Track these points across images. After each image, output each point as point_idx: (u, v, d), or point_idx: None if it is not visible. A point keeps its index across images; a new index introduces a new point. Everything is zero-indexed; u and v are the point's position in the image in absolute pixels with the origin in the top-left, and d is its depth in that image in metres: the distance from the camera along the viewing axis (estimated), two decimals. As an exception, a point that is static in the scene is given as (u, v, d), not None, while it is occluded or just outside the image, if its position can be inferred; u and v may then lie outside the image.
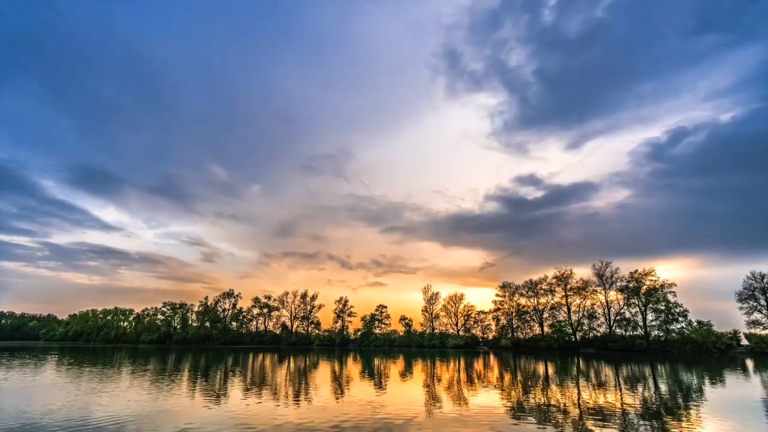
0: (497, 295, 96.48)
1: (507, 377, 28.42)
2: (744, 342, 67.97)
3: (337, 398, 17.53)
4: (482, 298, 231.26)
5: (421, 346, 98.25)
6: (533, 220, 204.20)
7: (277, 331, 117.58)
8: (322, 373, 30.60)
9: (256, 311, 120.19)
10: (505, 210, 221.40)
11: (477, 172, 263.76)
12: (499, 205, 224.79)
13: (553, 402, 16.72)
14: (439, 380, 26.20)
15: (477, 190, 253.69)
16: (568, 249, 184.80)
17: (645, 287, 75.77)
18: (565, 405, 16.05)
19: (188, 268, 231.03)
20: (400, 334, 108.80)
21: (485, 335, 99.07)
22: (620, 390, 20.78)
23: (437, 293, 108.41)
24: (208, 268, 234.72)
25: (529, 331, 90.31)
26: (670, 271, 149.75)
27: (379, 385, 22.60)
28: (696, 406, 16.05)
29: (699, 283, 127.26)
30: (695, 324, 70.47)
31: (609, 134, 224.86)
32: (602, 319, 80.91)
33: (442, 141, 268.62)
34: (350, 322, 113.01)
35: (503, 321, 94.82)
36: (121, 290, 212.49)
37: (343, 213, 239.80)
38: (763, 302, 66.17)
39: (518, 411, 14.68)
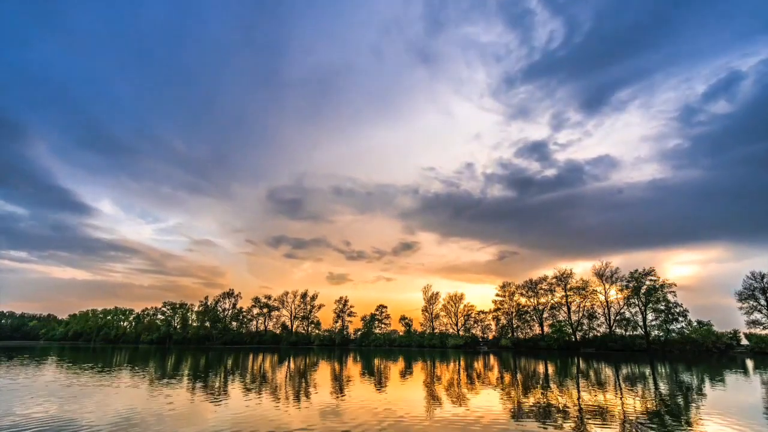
0: (497, 295, 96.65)
1: (507, 378, 28.41)
2: (744, 342, 67.98)
3: (336, 400, 17.52)
4: (485, 294, 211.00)
5: (421, 346, 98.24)
6: (543, 206, 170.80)
7: (277, 331, 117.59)
8: (323, 374, 30.59)
9: (256, 311, 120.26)
10: (511, 193, 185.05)
11: (472, 142, 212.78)
12: (502, 187, 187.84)
13: (553, 403, 16.71)
14: (439, 381, 26.18)
15: (474, 166, 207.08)
16: (585, 239, 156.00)
17: (645, 287, 75.79)
18: (565, 405, 16.04)
19: (174, 260, 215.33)
20: (400, 334, 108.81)
21: (485, 335, 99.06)
22: (620, 390, 20.77)
23: (437, 293, 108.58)
24: (195, 259, 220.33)
25: (529, 331, 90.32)
26: (711, 261, 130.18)
27: (379, 386, 22.59)
28: (696, 406, 16.04)
29: (740, 273, 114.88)
30: (695, 324, 70.49)
31: (636, 85, 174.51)
32: (602, 319, 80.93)
33: (427, 100, 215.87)
34: (350, 321, 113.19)
35: (503, 321, 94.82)
36: (101, 284, 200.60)
37: (330, 196, 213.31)
38: (763, 302, 66.17)
39: (519, 412, 14.67)
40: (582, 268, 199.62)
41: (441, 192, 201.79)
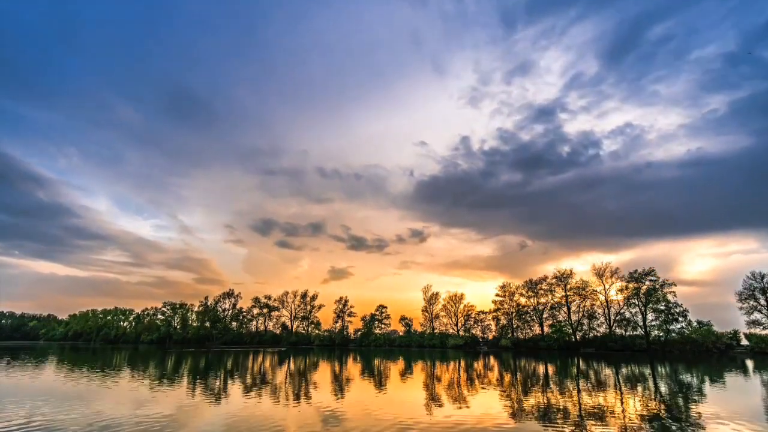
0: (497, 295, 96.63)
1: (507, 378, 28.40)
2: (744, 342, 67.99)
3: (336, 401, 17.52)
4: (487, 293, 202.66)
5: (421, 346, 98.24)
6: (553, 190, 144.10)
7: (277, 331, 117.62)
8: (322, 375, 30.58)
9: (256, 311, 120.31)
10: (516, 176, 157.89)
11: (467, 108, 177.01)
12: (506, 167, 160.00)
13: (553, 403, 16.71)
14: (439, 381, 26.18)
15: (470, 140, 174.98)
16: (601, 228, 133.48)
17: (645, 287, 75.77)
18: (565, 406, 16.03)
19: (157, 251, 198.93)
20: (400, 334, 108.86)
21: (485, 335, 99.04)
22: (620, 391, 20.77)
23: (437, 293, 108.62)
24: (180, 249, 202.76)
25: (529, 331, 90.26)
26: (735, 253, 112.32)
27: (380, 387, 22.58)
28: (696, 406, 16.03)
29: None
30: (695, 324, 70.51)
31: (673, 18, 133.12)
32: (602, 319, 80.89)
33: (412, 52, 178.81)
34: (350, 322, 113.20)
35: (503, 321, 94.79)
36: (85, 280, 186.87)
37: (315, 177, 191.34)
38: (763, 302, 66.16)
39: (519, 413, 14.67)
40: (593, 263, 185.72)
41: (438, 174, 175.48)
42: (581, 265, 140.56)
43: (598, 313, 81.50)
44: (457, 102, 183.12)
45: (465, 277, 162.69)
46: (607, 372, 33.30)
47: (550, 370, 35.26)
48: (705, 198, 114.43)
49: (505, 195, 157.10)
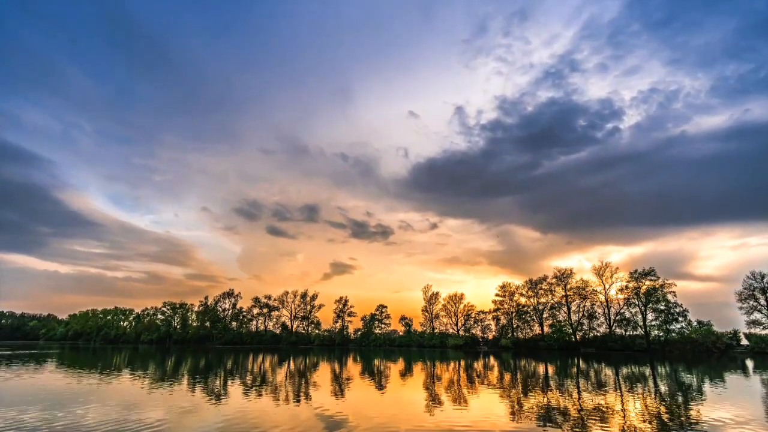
0: (497, 295, 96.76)
1: (507, 378, 28.39)
2: (744, 342, 67.99)
3: (336, 402, 17.51)
4: (489, 289, 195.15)
5: (421, 346, 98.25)
6: (566, 171, 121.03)
7: (277, 331, 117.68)
8: (322, 375, 30.57)
9: (256, 311, 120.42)
10: (522, 156, 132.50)
11: (457, 69, 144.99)
12: (511, 146, 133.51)
13: (553, 404, 16.69)
14: (439, 382, 26.17)
15: (465, 111, 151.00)
16: (619, 215, 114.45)
17: (645, 287, 75.78)
18: (565, 407, 16.02)
19: (142, 241, 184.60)
20: (400, 333, 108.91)
21: (485, 335, 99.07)
22: (620, 391, 20.75)
23: (437, 293, 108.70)
24: (169, 239, 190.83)
25: (529, 331, 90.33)
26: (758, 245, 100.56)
27: (380, 388, 22.58)
28: (696, 406, 16.02)
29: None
30: (695, 324, 70.53)
31: None
32: (602, 319, 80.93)
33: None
34: (350, 321, 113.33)
35: (503, 321, 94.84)
36: (69, 276, 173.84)
37: (300, 157, 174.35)
38: (763, 302, 66.15)
39: (518, 413, 14.66)
40: (594, 264, 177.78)
41: (436, 157, 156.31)
42: (589, 260, 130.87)
43: (598, 313, 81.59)
44: (448, 62, 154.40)
45: (466, 272, 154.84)
46: (607, 372, 33.29)
47: (550, 370, 35.25)
48: (732, 181, 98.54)
49: (510, 180, 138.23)
